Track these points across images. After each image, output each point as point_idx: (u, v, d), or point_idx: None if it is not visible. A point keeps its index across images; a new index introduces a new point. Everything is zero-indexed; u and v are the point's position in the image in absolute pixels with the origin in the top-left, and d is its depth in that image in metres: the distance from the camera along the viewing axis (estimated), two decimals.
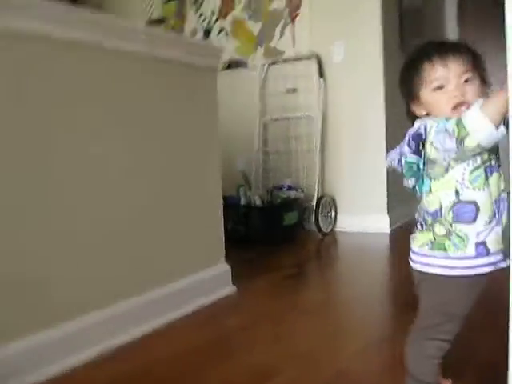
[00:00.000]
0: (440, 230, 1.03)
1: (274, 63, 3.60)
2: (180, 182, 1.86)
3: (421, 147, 1.02)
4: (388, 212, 3.50)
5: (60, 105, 1.41)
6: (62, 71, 1.42)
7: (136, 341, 1.58)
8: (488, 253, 1.00)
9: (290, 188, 3.34)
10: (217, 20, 3.78)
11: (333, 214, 3.53)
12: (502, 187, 1.01)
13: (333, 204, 3.54)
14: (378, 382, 1.27)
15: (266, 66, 3.62)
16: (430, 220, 1.05)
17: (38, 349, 1.32)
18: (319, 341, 1.55)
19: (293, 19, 3.56)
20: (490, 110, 0.90)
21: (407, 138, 1.05)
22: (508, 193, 1.01)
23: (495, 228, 1.00)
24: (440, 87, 1.02)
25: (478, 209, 0.99)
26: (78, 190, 1.46)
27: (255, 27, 3.68)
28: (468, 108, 0.96)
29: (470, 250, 1.00)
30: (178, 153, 1.86)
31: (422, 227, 1.08)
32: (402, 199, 3.83)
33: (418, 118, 1.09)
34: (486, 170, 1.00)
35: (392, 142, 3.51)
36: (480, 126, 0.91)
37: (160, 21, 4.02)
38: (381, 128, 3.46)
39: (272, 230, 3.04)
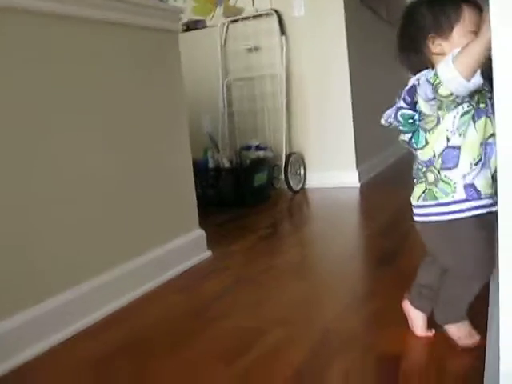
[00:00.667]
0: (430, 177, 1.09)
1: (233, 22, 3.54)
2: (149, 151, 1.83)
3: (415, 100, 1.07)
4: (357, 167, 3.54)
5: (8, 73, 1.34)
6: (10, 38, 1.35)
7: (119, 310, 1.59)
8: (479, 196, 1.04)
9: (258, 148, 3.34)
10: None
11: (302, 171, 3.56)
12: (491, 131, 1.03)
13: (302, 161, 3.56)
14: (363, 337, 1.30)
15: (225, 25, 3.56)
16: (423, 169, 1.11)
17: (29, 324, 1.32)
18: (301, 301, 1.57)
19: None
20: (461, 61, 0.93)
21: (403, 93, 1.10)
22: (493, 136, 1.03)
23: (482, 171, 1.04)
24: (475, 32, 1.01)
25: (459, 153, 1.03)
26: (48, 163, 1.43)
27: None
28: None
29: (460, 194, 1.05)
30: (145, 121, 1.82)
31: (417, 180, 1.14)
32: (370, 154, 3.89)
33: (422, 59, 1.11)
34: (473, 114, 1.03)
35: (357, 97, 3.53)
36: (450, 77, 0.94)
37: None
38: (345, 83, 3.46)
39: (243, 191, 3.05)
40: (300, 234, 2.51)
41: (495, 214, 1.04)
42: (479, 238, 1.08)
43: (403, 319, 1.28)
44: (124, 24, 1.73)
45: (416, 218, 1.15)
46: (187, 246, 1.98)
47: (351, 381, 1.11)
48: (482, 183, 1.05)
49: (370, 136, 3.86)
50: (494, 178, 1.06)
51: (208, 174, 3.07)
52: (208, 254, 2.08)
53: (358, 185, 3.50)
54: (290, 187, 3.37)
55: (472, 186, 1.04)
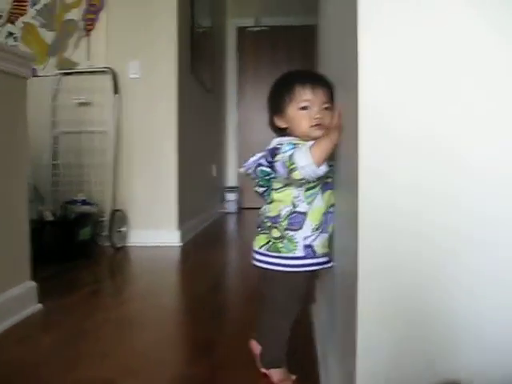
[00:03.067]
0: (276, 233, 1.32)
1: (67, 74, 3.61)
2: None
3: (274, 160, 1.28)
4: (179, 227, 3.76)
5: None
6: None
7: None
8: (315, 255, 1.31)
9: (83, 202, 3.39)
10: (5, 23, 3.63)
11: (125, 228, 3.67)
12: (332, 202, 1.31)
13: (125, 219, 3.68)
14: (213, 381, 1.47)
15: (58, 77, 3.61)
16: (268, 223, 1.34)
17: None
18: (146, 351, 1.69)
19: (88, 32, 3.62)
20: (317, 153, 1.18)
21: (266, 152, 1.32)
22: (333, 205, 1.32)
23: (321, 235, 1.31)
24: (305, 107, 1.29)
25: (305, 218, 1.29)
26: None
27: (48, 36, 3.65)
28: (322, 130, 1.25)
29: (300, 252, 1.31)
30: None
31: (262, 230, 1.37)
32: (192, 215, 4.17)
33: (278, 128, 1.37)
34: (321, 188, 1.30)
35: (183, 159, 3.82)
36: (306, 165, 1.19)
37: None
38: (173, 145, 3.76)
39: (66, 245, 3.06)
40: (129, 289, 2.62)
41: (329, 268, 1.36)
42: (302, 287, 1.36)
43: (248, 362, 1.49)
44: None
45: (256, 263, 1.37)
46: (19, 298, 1.98)
47: None
48: (318, 244, 1.31)
49: (191, 197, 4.17)
50: (329, 240, 1.34)
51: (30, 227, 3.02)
52: (39, 306, 2.09)
53: (180, 244, 3.73)
54: (112, 244, 3.46)
55: (310, 246, 1.30)
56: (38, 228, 3.03)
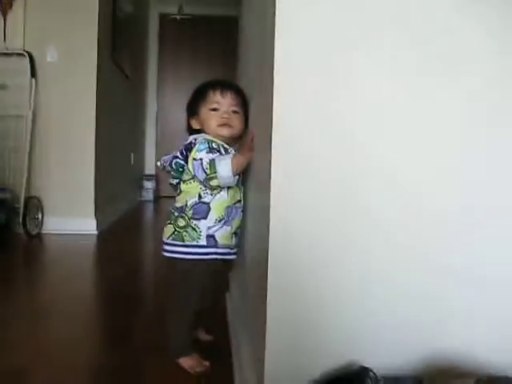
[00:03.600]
0: (181, 222, 1.44)
1: None
2: None
3: (188, 155, 1.42)
4: (95, 214, 3.76)
5: None
6: None
7: None
8: (216, 244, 1.44)
9: None
10: None
11: (40, 215, 3.62)
12: (238, 198, 1.46)
13: (40, 206, 3.62)
14: (130, 371, 1.51)
15: None
16: (175, 214, 1.46)
17: None
18: (62, 340, 1.71)
19: (4, 13, 3.51)
20: (238, 166, 1.35)
21: (181, 147, 1.46)
22: (240, 202, 1.48)
23: (224, 227, 1.44)
24: (215, 109, 1.48)
25: (209, 209, 1.42)
26: None
27: None
28: (229, 129, 1.46)
29: (202, 241, 1.43)
30: None
31: (169, 220, 1.48)
32: (109, 202, 4.16)
33: (194, 131, 1.53)
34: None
35: (100, 145, 3.81)
36: (227, 177, 1.36)
37: None
38: (90, 132, 3.74)
39: None
40: (43, 278, 2.61)
41: (230, 260, 1.51)
42: (206, 275, 1.47)
43: (163, 349, 1.57)
44: None
45: (164, 253, 1.48)
46: None
47: None
48: (220, 236, 1.44)
49: (108, 185, 4.16)
50: (236, 234, 1.49)
51: None
52: None
53: (96, 232, 3.73)
54: (26, 231, 3.40)
55: (212, 236, 1.42)
56: None
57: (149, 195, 6.08)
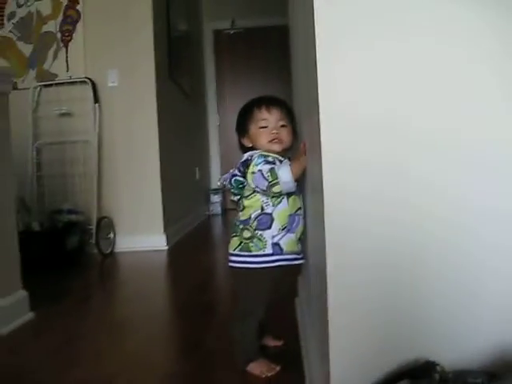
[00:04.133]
0: (246, 234, 1.49)
1: (47, 86, 3.68)
2: None
3: (246, 171, 1.48)
4: (164, 231, 3.85)
5: None
6: None
7: None
8: (282, 252, 1.47)
9: (70, 212, 3.45)
10: None
11: (112, 235, 3.75)
12: (299, 206, 1.50)
13: (112, 225, 3.75)
14: (200, 378, 1.55)
15: (38, 89, 3.67)
16: (240, 226, 1.51)
17: None
18: (138, 352, 1.78)
19: (66, 44, 3.69)
20: (296, 171, 1.40)
21: (238, 164, 1.51)
22: (300, 209, 1.50)
23: (288, 234, 1.48)
24: (264, 126, 1.52)
25: (272, 219, 1.46)
26: None
27: (26, 48, 3.72)
28: (280, 143, 1.50)
29: (269, 250, 1.47)
30: None
31: (235, 233, 1.53)
32: (177, 218, 4.25)
33: (247, 148, 1.57)
34: (286, 193, 1.47)
35: (165, 163, 3.90)
36: (288, 181, 1.40)
37: None
38: (154, 151, 3.85)
39: (55, 254, 3.12)
40: (119, 294, 2.71)
41: (298, 265, 1.53)
42: (271, 281, 1.51)
43: (232, 362, 1.58)
44: None
45: (231, 264, 1.54)
46: (11, 307, 2.05)
47: None
48: (285, 243, 1.48)
49: (175, 201, 4.25)
50: (300, 240, 1.51)
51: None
52: (31, 315, 2.16)
53: (166, 247, 3.82)
54: (100, 251, 3.53)
55: (277, 244, 1.47)
56: (26, 239, 3.10)
57: (216, 209, 6.16)
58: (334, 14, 0.90)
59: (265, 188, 1.43)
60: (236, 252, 1.51)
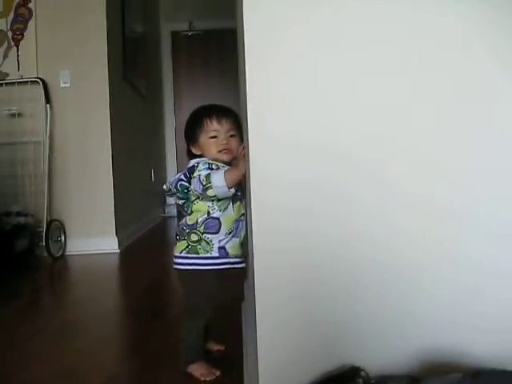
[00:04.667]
0: (194, 237, 1.54)
1: None
2: None
3: (192, 176, 1.52)
4: (117, 234, 3.83)
5: None
6: None
7: None
8: (227, 255, 1.55)
9: (18, 214, 3.40)
10: None
11: (62, 238, 3.70)
12: (243, 211, 1.56)
13: (62, 228, 3.71)
14: (142, 377, 1.60)
15: None
16: (187, 230, 1.56)
17: None
18: (81, 354, 1.80)
19: (17, 43, 3.63)
20: (229, 179, 1.45)
21: (185, 169, 1.56)
22: (244, 215, 1.56)
23: (233, 239, 1.55)
24: (214, 136, 1.56)
25: (220, 224, 1.53)
26: None
27: None
28: (229, 153, 1.54)
29: (215, 252, 1.53)
30: None
31: (182, 237, 1.58)
32: (129, 221, 4.23)
33: (194, 156, 1.61)
34: (232, 199, 1.53)
35: (118, 166, 3.88)
36: (220, 186, 1.45)
37: None
38: (107, 152, 3.84)
39: (3, 257, 3.07)
40: (68, 297, 2.70)
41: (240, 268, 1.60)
42: (216, 283, 1.57)
43: (175, 364, 1.61)
44: None
45: (177, 266, 1.59)
46: None
47: None
48: (230, 247, 1.55)
49: (129, 203, 4.24)
50: (242, 244, 1.58)
51: None
52: None
53: (118, 250, 3.81)
54: (50, 254, 3.49)
55: (223, 248, 1.54)
56: None
57: (172, 211, 6.13)
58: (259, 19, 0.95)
59: (200, 191, 1.49)
60: (183, 254, 1.56)
